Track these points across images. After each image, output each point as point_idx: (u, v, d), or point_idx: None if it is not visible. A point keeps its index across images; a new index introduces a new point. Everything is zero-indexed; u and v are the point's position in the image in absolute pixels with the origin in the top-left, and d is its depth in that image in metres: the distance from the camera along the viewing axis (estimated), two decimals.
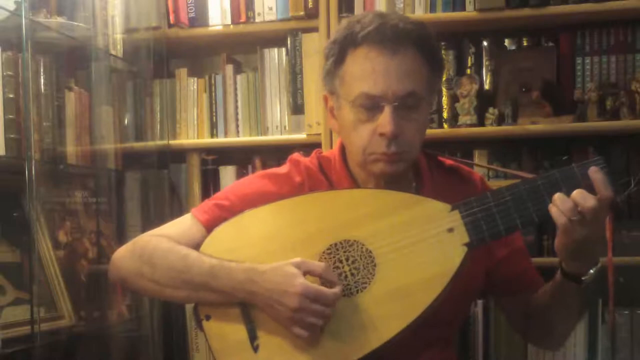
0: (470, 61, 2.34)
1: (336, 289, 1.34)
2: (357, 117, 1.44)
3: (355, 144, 1.45)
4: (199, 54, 2.62)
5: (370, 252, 1.38)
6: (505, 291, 1.62)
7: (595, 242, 1.34)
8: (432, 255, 1.35)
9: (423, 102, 1.44)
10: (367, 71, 1.41)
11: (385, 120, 1.40)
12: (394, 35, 1.41)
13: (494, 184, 1.81)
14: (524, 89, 2.25)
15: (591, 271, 1.38)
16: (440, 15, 2.26)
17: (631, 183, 1.43)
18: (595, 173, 1.30)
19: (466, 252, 1.35)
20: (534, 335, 1.64)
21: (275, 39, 2.40)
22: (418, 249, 1.36)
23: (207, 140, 2.45)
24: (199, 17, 2.43)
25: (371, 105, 1.42)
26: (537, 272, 1.62)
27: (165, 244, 1.47)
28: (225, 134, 2.44)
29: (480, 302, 2.21)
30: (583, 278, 1.39)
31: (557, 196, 1.30)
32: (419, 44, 1.43)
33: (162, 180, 2.42)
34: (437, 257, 1.35)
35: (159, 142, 2.43)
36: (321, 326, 1.34)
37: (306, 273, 1.34)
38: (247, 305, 1.41)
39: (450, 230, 1.36)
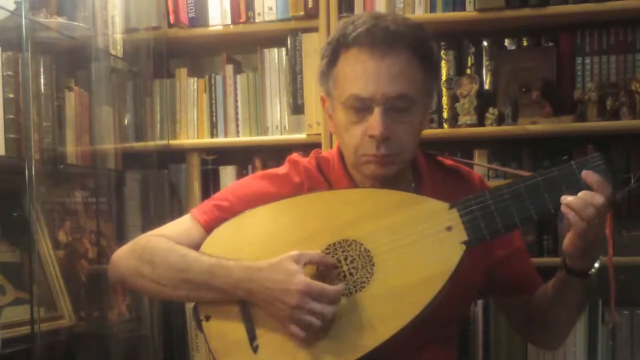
0: (470, 61, 2.34)
1: (338, 286, 1.34)
2: (349, 119, 1.44)
3: (348, 145, 1.46)
4: (199, 54, 2.62)
5: (369, 251, 1.38)
6: (505, 291, 1.63)
7: (599, 239, 1.36)
8: (431, 254, 1.35)
9: (416, 104, 1.44)
10: (357, 73, 1.42)
11: (374, 122, 1.40)
12: (385, 37, 1.40)
13: (494, 183, 1.80)
14: (524, 89, 2.25)
15: (596, 265, 1.42)
16: (440, 15, 2.26)
17: (631, 180, 1.43)
18: (588, 176, 1.31)
19: (464, 250, 1.35)
20: (533, 334, 1.64)
21: (275, 39, 2.40)
22: (416, 248, 1.36)
23: (207, 140, 2.45)
24: (199, 17, 2.43)
25: (361, 107, 1.42)
26: (537, 273, 1.62)
27: (165, 244, 1.47)
28: (225, 134, 2.44)
29: (480, 302, 2.21)
30: (590, 272, 1.41)
31: (575, 202, 1.30)
32: (413, 46, 1.42)
33: (162, 180, 2.42)
34: (436, 256, 1.35)
35: (159, 142, 2.43)
36: (322, 327, 1.34)
37: (306, 264, 1.35)
38: (247, 305, 1.41)
39: (449, 228, 1.36)
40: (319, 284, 1.33)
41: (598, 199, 1.29)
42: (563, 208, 1.31)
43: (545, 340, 1.63)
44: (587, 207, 1.29)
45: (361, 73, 1.41)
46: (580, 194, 1.30)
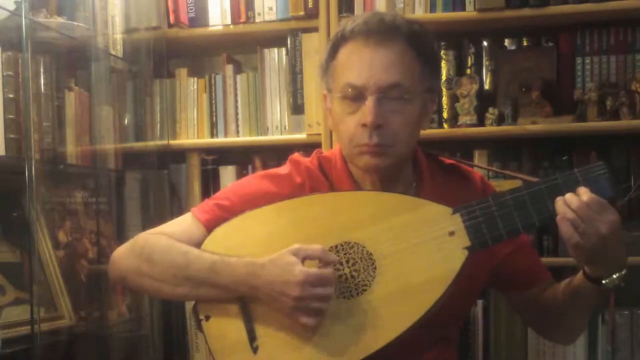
0: (470, 61, 2.34)
1: (328, 269, 1.33)
2: (344, 109, 1.45)
3: (343, 136, 1.47)
4: (199, 54, 2.62)
5: (371, 254, 1.38)
6: (514, 287, 1.61)
7: (613, 247, 1.31)
8: (433, 259, 1.35)
9: (412, 96, 1.44)
10: (352, 62, 1.44)
11: (367, 110, 1.41)
12: (380, 28, 1.43)
13: (494, 183, 1.80)
14: (524, 89, 2.25)
15: (614, 276, 1.36)
16: (440, 15, 2.26)
17: (631, 187, 1.43)
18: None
19: (467, 255, 1.35)
20: (547, 330, 1.63)
21: (275, 39, 2.40)
22: (418, 252, 1.36)
23: (207, 140, 2.45)
24: (199, 17, 2.43)
25: (356, 96, 1.43)
26: (543, 265, 1.61)
27: (165, 242, 1.47)
28: (225, 134, 2.44)
29: (480, 302, 2.21)
30: (603, 282, 1.37)
31: (571, 209, 1.29)
32: (409, 38, 1.44)
33: (162, 180, 2.42)
34: (438, 261, 1.35)
35: (159, 142, 2.43)
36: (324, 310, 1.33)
37: (305, 259, 1.34)
38: (247, 304, 1.41)
39: (451, 233, 1.35)
40: (316, 271, 1.33)
41: (584, 195, 1.28)
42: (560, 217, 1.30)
43: (560, 336, 1.63)
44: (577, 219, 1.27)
45: (356, 62, 1.43)
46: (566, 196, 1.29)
